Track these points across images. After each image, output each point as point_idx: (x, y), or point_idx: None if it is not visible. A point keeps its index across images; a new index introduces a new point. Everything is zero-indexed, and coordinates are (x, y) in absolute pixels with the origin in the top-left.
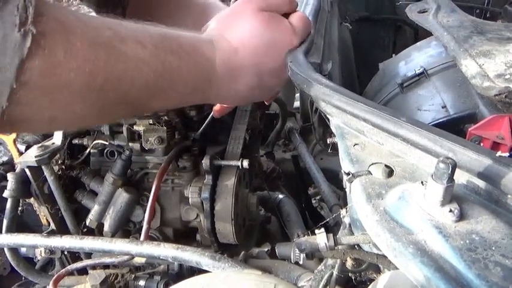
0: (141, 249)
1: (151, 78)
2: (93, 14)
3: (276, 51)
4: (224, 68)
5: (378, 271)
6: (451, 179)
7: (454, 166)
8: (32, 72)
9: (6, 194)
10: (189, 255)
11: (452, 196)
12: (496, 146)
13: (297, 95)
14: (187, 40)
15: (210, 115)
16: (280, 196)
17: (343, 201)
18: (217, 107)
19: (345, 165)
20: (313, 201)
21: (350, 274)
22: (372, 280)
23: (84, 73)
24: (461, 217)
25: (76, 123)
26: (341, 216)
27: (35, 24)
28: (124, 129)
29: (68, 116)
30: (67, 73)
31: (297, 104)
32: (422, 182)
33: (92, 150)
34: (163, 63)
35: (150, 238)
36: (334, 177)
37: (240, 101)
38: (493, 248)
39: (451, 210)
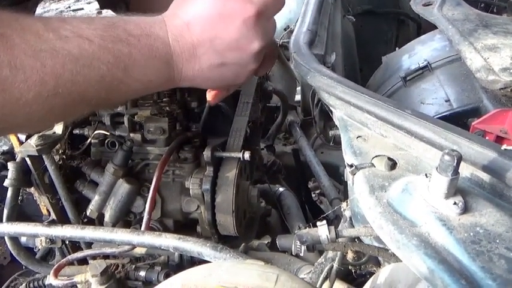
0: (143, 239)
1: (105, 71)
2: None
3: (230, 21)
4: (178, 45)
5: (378, 264)
6: (456, 171)
7: (460, 158)
8: None
9: (6, 183)
10: (190, 245)
11: (457, 189)
12: (499, 140)
13: (298, 88)
14: (136, 25)
15: (207, 105)
16: (281, 189)
17: (343, 195)
18: (209, 94)
19: (348, 158)
20: (313, 195)
21: (350, 267)
22: (372, 273)
23: (33, 83)
24: (466, 210)
25: (39, 126)
26: (342, 209)
27: None
28: (125, 119)
29: (31, 121)
30: (16, 86)
31: (298, 97)
32: (426, 175)
33: (92, 141)
34: (114, 54)
35: (150, 229)
36: (335, 171)
37: (210, 82)
38: (497, 241)
39: (455, 203)
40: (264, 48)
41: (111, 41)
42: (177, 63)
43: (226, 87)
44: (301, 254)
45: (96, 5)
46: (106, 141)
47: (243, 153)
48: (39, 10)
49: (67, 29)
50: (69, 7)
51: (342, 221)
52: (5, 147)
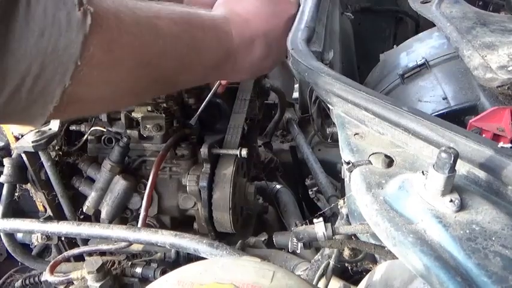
0: (139, 236)
1: (184, 52)
2: None
3: (279, 19)
4: (239, 40)
5: (374, 261)
6: (452, 168)
7: (456, 156)
8: (94, 48)
9: (2, 179)
10: (187, 242)
11: (453, 186)
12: (496, 138)
13: (296, 85)
14: (207, 16)
15: (206, 100)
16: (278, 186)
17: (340, 193)
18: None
19: (345, 155)
20: (310, 193)
21: (347, 264)
22: (368, 270)
23: (134, 49)
24: (462, 207)
25: (122, 101)
26: (338, 206)
27: (90, 3)
28: (122, 116)
29: (117, 94)
30: (121, 49)
31: (295, 94)
32: (423, 172)
33: (89, 137)
34: (193, 38)
35: (147, 226)
36: (332, 169)
37: (251, 73)
38: (493, 238)
39: (451, 200)
40: None
41: (190, 26)
42: (235, 56)
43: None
44: (298, 251)
45: None
46: (103, 138)
47: (241, 150)
48: None
49: (154, 8)
50: None
51: (338, 218)
52: (1, 143)
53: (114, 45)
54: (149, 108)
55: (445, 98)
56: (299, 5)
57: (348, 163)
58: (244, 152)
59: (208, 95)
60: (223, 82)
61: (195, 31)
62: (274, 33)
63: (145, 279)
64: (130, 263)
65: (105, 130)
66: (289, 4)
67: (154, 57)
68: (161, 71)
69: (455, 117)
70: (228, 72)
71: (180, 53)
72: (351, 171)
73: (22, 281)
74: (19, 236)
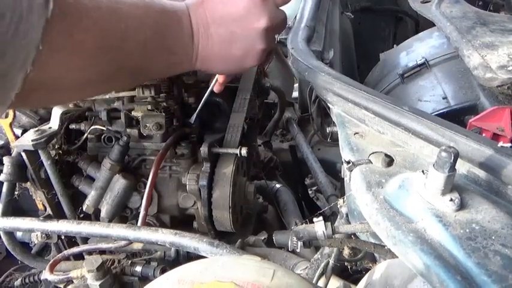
0: (139, 235)
1: (148, 36)
2: None
3: (238, 1)
4: (195, 23)
5: (374, 261)
6: (452, 168)
7: (456, 155)
8: (54, 33)
9: (2, 177)
10: (187, 241)
11: (453, 185)
12: (496, 137)
13: (296, 85)
14: (167, 2)
15: (204, 97)
16: (278, 185)
17: (340, 192)
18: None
19: (345, 154)
20: (310, 192)
21: (346, 263)
22: (367, 269)
23: (95, 33)
24: (462, 206)
25: (86, 89)
26: (338, 206)
27: None
28: (122, 115)
29: (81, 81)
30: (82, 33)
31: (295, 94)
32: (423, 171)
33: (89, 136)
34: (156, 21)
35: (147, 224)
36: (332, 168)
37: (222, 63)
38: (493, 238)
39: (451, 200)
40: (271, 30)
41: (153, 10)
42: (195, 39)
43: (237, 71)
44: (298, 250)
45: None
46: (102, 137)
47: (240, 150)
48: None
49: None
50: None
51: (338, 217)
52: (1, 142)
53: (74, 30)
54: (149, 107)
55: (445, 98)
56: None
57: (348, 162)
58: (244, 151)
59: (206, 93)
60: (220, 80)
61: (157, 15)
62: (231, 14)
63: (145, 278)
64: (130, 261)
65: (105, 129)
66: None
67: (117, 41)
68: (125, 56)
69: (455, 117)
70: (194, 61)
71: (143, 38)
72: (351, 171)
73: (22, 280)
74: (18, 234)
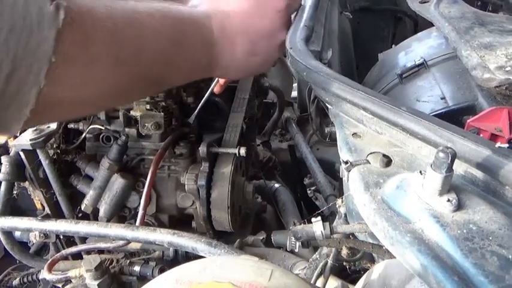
0: (137, 234)
1: (166, 47)
2: None
3: (264, 12)
4: (220, 34)
5: (372, 261)
6: (450, 168)
7: (454, 156)
8: (67, 44)
9: (0, 177)
10: (185, 240)
11: (450, 186)
12: (494, 138)
13: (295, 84)
14: (186, 11)
15: (204, 98)
16: (276, 185)
17: (338, 192)
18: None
19: (343, 154)
20: (308, 192)
21: (344, 263)
22: (365, 269)
23: (110, 44)
24: (459, 207)
25: (103, 103)
26: (336, 206)
27: None
28: (120, 114)
29: (97, 94)
30: (96, 45)
31: (294, 93)
32: (421, 172)
33: (87, 135)
34: (173, 31)
35: (145, 224)
36: (330, 168)
37: (240, 71)
38: (490, 238)
39: (449, 200)
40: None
41: (170, 20)
42: (218, 51)
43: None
44: (296, 250)
45: None
46: (101, 136)
47: (239, 149)
48: None
49: (132, 4)
50: None
51: (336, 217)
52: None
53: (89, 41)
54: (148, 106)
55: (443, 98)
56: (292, 1)
57: (346, 162)
58: (242, 150)
59: (207, 93)
60: (221, 81)
61: (175, 25)
62: (258, 29)
63: (143, 278)
64: (128, 261)
65: (103, 128)
66: (276, 0)
67: (134, 53)
68: (143, 68)
69: (453, 117)
70: (213, 69)
71: (161, 47)
72: (349, 171)
73: (20, 279)
74: (17, 234)
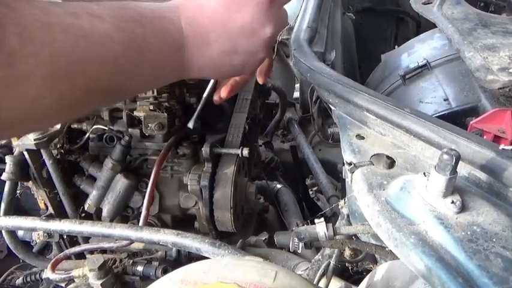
0: (141, 235)
1: (119, 52)
2: None
3: (244, 4)
4: (191, 29)
5: (375, 262)
6: (454, 170)
7: (458, 158)
8: None
9: (4, 176)
10: (189, 241)
11: (454, 188)
12: (497, 139)
13: (297, 85)
14: (148, 7)
15: (203, 99)
16: (279, 186)
17: (340, 193)
18: (216, 94)
19: (347, 156)
20: (310, 192)
21: (347, 264)
22: (368, 270)
23: (43, 58)
24: (463, 209)
25: (45, 120)
26: (339, 207)
27: None
28: (124, 114)
29: (37, 112)
30: (25, 61)
31: (296, 94)
32: (424, 173)
33: (91, 135)
34: (127, 33)
35: (148, 224)
36: (332, 169)
37: (219, 72)
38: (494, 240)
39: (453, 202)
40: (274, 37)
41: (123, 20)
42: (189, 49)
43: (237, 79)
44: (299, 251)
45: None
46: (104, 136)
47: (242, 150)
48: None
49: (75, 6)
50: None
51: (339, 218)
52: (3, 141)
53: (14, 58)
54: (151, 107)
55: (446, 99)
56: None
57: (350, 164)
58: (245, 151)
59: (204, 96)
60: (223, 95)
61: (130, 25)
62: (236, 23)
63: (146, 278)
64: (131, 261)
65: (106, 128)
66: None
67: (76, 62)
68: (89, 80)
69: (456, 119)
70: (186, 71)
71: (112, 54)
72: (353, 172)
73: (23, 278)
74: (20, 233)
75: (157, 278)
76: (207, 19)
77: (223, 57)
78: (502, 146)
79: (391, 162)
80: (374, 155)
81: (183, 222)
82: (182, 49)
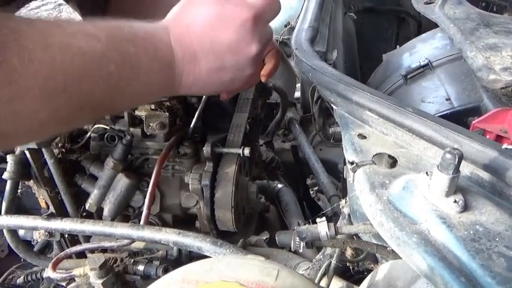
0: (143, 234)
1: (113, 70)
2: (77, 15)
3: (229, 23)
4: (180, 48)
5: (376, 261)
6: (456, 169)
7: (461, 157)
8: None
9: (5, 175)
10: (190, 240)
11: (457, 187)
12: (499, 139)
13: (298, 85)
14: (140, 27)
15: (203, 99)
16: (279, 185)
17: (341, 192)
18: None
19: (349, 155)
20: (311, 192)
21: (348, 264)
22: (369, 270)
23: (42, 76)
24: (466, 208)
25: (40, 133)
26: (340, 206)
27: None
28: (125, 114)
29: (33, 126)
30: (24, 79)
31: (297, 94)
32: (427, 173)
33: (92, 135)
34: (121, 53)
35: (149, 223)
36: (333, 168)
37: (207, 88)
38: (497, 239)
39: (455, 201)
40: (260, 54)
41: (118, 40)
42: (178, 67)
43: (223, 92)
44: (300, 250)
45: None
46: (106, 136)
47: (243, 149)
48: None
49: (73, 27)
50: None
51: (340, 218)
52: None
53: (15, 76)
54: (153, 106)
55: (448, 99)
56: (259, 9)
57: (352, 163)
58: (246, 151)
59: (202, 101)
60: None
61: (124, 45)
62: (222, 42)
63: (147, 277)
64: (132, 260)
65: (108, 128)
66: (243, 8)
67: (72, 81)
68: (84, 96)
69: (458, 118)
70: (175, 88)
71: (105, 72)
72: (355, 171)
73: (24, 277)
74: (21, 232)
75: (158, 277)
76: (194, 38)
77: (211, 74)
78: (505, 146)
79: (393, 162)
80: (376, 154)
81: (184, 221)
82: (172, 67)
